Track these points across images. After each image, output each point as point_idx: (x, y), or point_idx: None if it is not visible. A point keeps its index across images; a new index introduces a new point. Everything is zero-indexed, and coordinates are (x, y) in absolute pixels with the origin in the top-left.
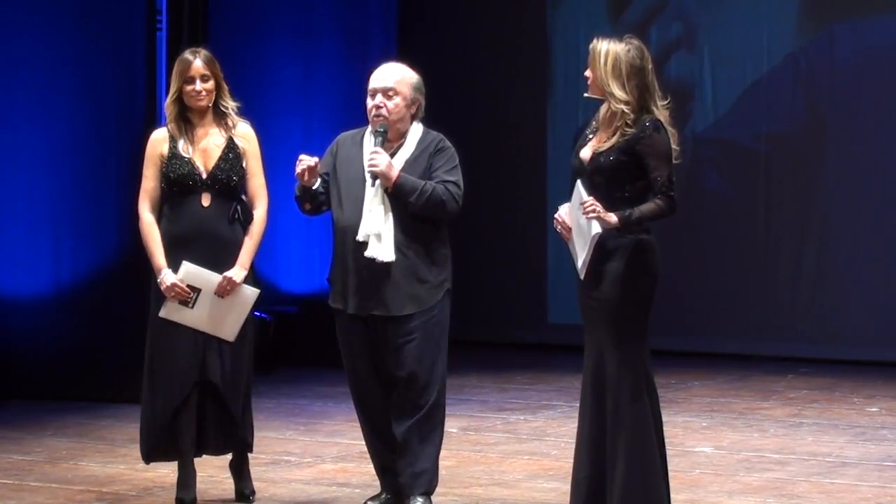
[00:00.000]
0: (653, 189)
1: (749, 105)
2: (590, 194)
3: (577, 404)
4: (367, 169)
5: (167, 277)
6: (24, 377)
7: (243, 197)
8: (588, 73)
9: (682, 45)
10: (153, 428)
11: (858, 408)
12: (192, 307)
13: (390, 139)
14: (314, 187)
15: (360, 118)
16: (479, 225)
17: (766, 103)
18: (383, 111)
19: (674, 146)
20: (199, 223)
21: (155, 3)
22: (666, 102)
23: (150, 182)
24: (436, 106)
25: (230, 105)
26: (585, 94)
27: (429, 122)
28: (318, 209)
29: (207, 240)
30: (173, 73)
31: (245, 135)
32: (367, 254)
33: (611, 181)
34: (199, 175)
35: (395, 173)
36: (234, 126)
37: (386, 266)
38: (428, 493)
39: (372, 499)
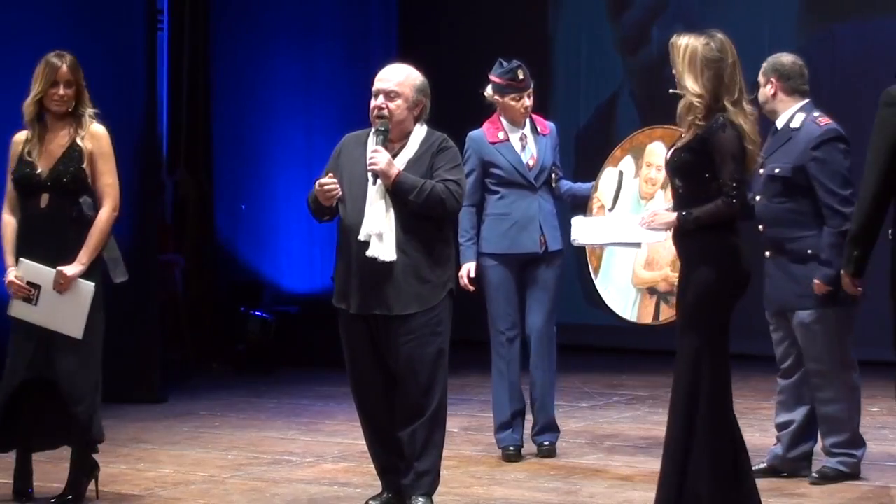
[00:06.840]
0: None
1: None
2: (673, 195)
3: (577, 404)
4: (367, 167)
5: (9, 274)
6: None
7: (86, 198)
8: (675, 69)
9: None
10: None
11: None
12: (36, 304)
13: (393, 139)
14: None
15: (361, 118)
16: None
17: None
18: (384, 112)
19: (749, 146)
20: (36, 224)
21: (156, 2)
22: (752, 109)
23: (10, 183)
24: (436, 106)
25: (88, 111)
26: (671, 90)
27: (429, 121)
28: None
29: (46, 240)
30: (37, 75)
31: (94, 134)
32: (369, 253)
33: (684, 181)
34: (39, 176)
35: (394, 171)
36: (84, 129)
37: (388, 266)
38: (429, 494)
39: (373, 498)
